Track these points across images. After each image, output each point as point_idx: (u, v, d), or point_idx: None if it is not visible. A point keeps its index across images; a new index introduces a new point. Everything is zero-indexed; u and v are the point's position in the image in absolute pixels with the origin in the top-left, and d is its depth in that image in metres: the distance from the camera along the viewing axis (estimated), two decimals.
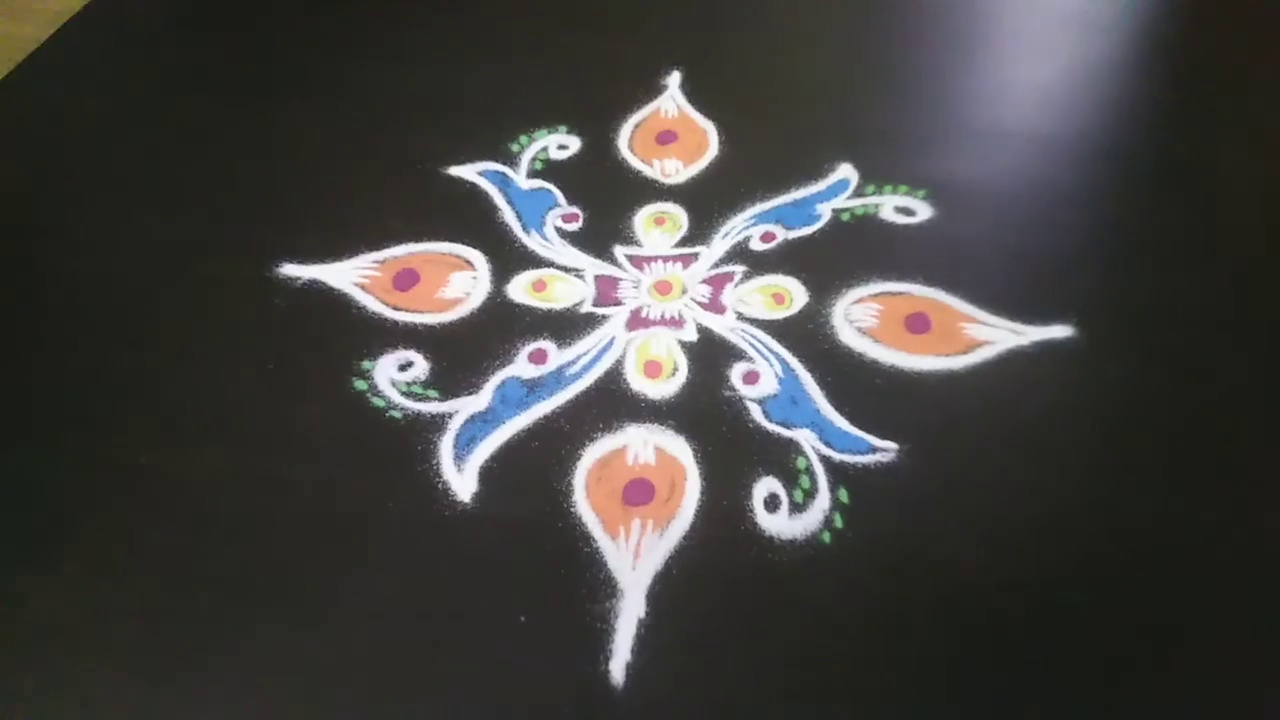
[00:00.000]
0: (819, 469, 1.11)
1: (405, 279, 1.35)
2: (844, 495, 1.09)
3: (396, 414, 1.19)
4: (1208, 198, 1.43)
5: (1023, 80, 1.67)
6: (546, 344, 1.26)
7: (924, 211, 1.40)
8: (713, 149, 1.53)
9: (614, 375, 1.22)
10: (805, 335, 1.26)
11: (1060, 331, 1.25)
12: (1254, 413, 1.17)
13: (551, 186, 1.47)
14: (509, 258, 1.37)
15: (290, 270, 1.36)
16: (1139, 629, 0.99)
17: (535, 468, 1.13)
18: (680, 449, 1.14)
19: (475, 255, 1.38)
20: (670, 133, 1.55)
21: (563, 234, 1.41)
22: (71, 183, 1.55)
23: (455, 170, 1.50)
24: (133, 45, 1.81)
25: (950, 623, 1.00)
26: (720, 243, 1.38)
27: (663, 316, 1.29)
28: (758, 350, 1.24)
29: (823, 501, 1.09)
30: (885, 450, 1.13)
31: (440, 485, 1.11)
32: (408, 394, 1.21)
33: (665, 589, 1.02)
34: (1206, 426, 1.16)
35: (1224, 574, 1.03)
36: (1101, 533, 1.07)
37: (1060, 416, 1.17)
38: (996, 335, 1.24)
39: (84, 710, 0.96)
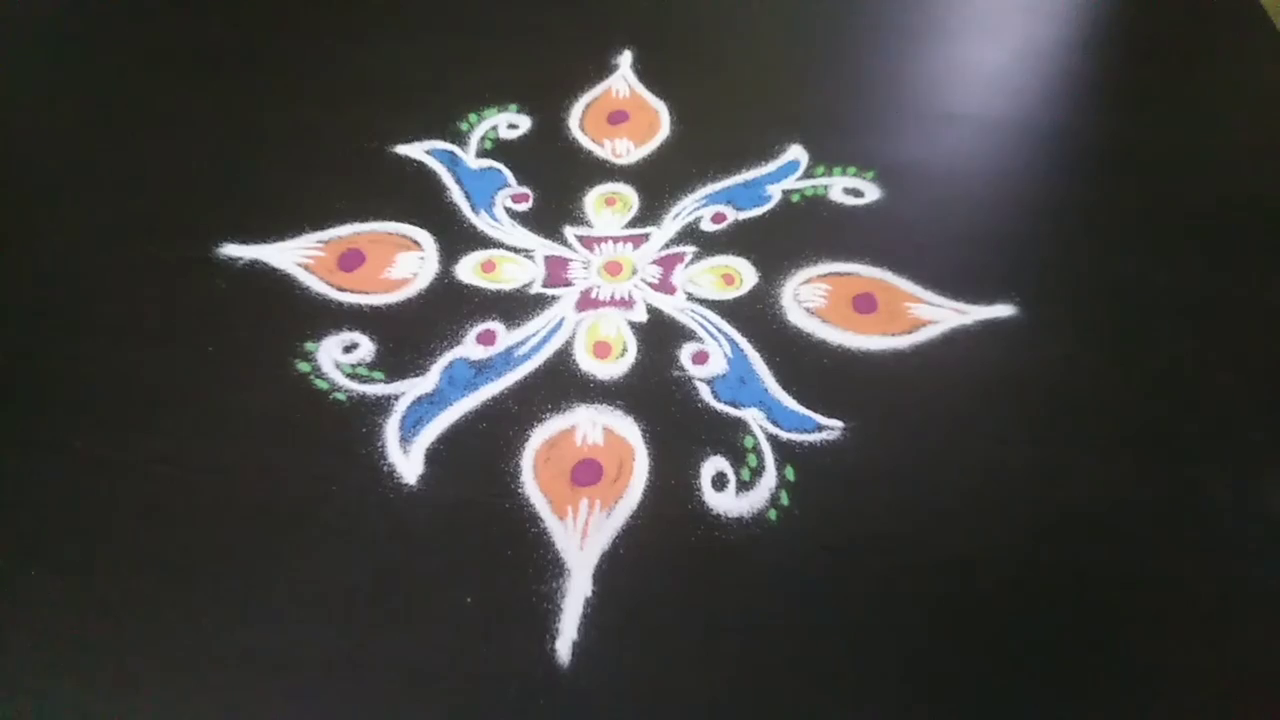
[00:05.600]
0: (766, 448, 1.12)
1: (350, 259, 1.32)
2: (790, 473, 1.10)
3: (341, 396, 1.17)
4: (1151, 180, 1.46)
5: (972, 63, 1.69)
6: (495, 325, 1.25)
7: (872, 193, 1.41)
8: (664, 129, 1.52)
9: (563, 356, 1.22)
10: (754, 315, 1.26)
11: (1003, 311, 1.27)
12: (1194, 390, 1.20)
13: (501, 166, 1.45)
14: (457, 238, 1.35)
15: (231, 251, 1.33)
16: (1083, 605, 1.02)
17: (483, 449, 1.12)
18: (629, 429, 1.14)
19: (423, 235, 1.36)
20: (622, 112, 1.54)
21: (512, 214, 1.39)
22: (2, 161, 1.50)
23: (402, 149, 1.47)
24: (67, 21, 1.75)
25: (896, 600, 1.02)
26: (671, 223, 1.38)
27: (613, 297, 1.29)
28: (707, 330, 1.24)
29: (769, 480, 1.09)
30: (831, 429, 1.14)
31: (385, 468, 1.10)
32: (352, 376, 1.19)
33: (612, 568, 1.02)
34: (1148, 404, 1.19)
35: (1167, 550, 1.06)
36: (1045, 509, 1.09)
37: (1003, 395, 1.19)
38: (941, 315, 1.26)
39: (11, 700, 0.94)
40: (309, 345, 1.22)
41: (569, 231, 1.37)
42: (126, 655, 0.97)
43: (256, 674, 0.96)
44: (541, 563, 1.02)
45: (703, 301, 1.28)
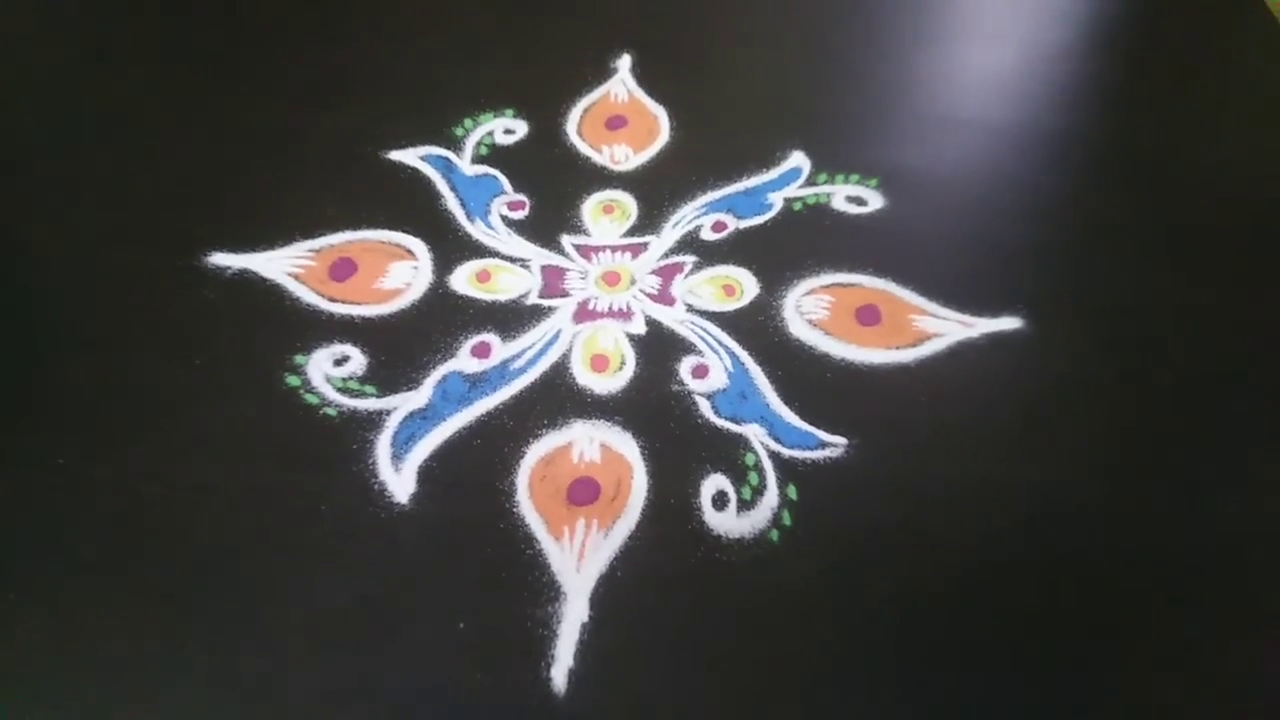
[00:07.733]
0: (768, 465, 1.09)
1: (342, 269, 1.29)
2: (793, 492, 1.07)
3: (331, 411, 1.14)
4: (1159, 188, 1.43)
5: (977, 68, 1.66)
6: (490, 337, 1.22)
7: (875, 201, 1.38)
8: (664, 135, 1.49)
9: (560, 369, 1.19)
10: (755, 328, 1.23)
11: (1009, 323, 1.24)
12: (1201, 403, 1.17)
13: (497, 173, 1.42)
14: (452, 247, 1.32)
15: (220, 259, 1.30)
16: (1090, 621, 0.99)
17: (477, 467, 1.09)
18: (627, 446, 1.11)
19: (416, 244, 1.32)
20: (620, 118, 1.51)
21: (508, 222, 1.36)
22: None
23: (396, 154, 1.44)
24: (50, 23, 1.71)
25: (901, 622, 0.99)
26: (670, 232, 1.35)
27: (611, 308, 1.26)
28: (707, 343, 1.22)
29: (771, 499, 1.07)
30: (834, 445, 1.11)
31: (377, 486, 1.07)
32: (343, 390, 1.16)
33: (610, 592, 0.99)
34: (1155, 418, 1.16)
35: (1175, 568, 1.04)
36: (1052, 525, 1.06)
37: (1010, 409, 1.17)
38: (946, 327, 1.23)
39: None
40: (298, 358, 1.19)
41: (566, 240, 1.34)
42: (107, 682, 0.94)
43: (240, 702, 0.93)
44: (537, 586, 1.00)
45: (703, 313, 1.25)
